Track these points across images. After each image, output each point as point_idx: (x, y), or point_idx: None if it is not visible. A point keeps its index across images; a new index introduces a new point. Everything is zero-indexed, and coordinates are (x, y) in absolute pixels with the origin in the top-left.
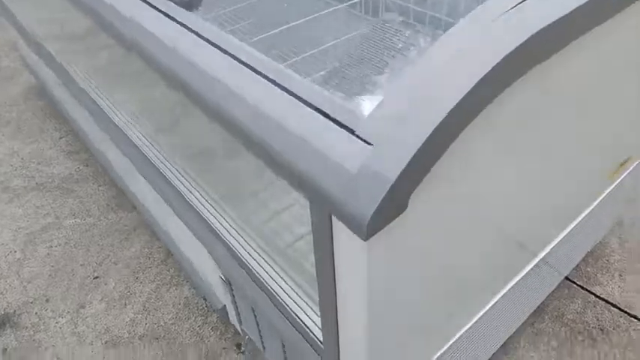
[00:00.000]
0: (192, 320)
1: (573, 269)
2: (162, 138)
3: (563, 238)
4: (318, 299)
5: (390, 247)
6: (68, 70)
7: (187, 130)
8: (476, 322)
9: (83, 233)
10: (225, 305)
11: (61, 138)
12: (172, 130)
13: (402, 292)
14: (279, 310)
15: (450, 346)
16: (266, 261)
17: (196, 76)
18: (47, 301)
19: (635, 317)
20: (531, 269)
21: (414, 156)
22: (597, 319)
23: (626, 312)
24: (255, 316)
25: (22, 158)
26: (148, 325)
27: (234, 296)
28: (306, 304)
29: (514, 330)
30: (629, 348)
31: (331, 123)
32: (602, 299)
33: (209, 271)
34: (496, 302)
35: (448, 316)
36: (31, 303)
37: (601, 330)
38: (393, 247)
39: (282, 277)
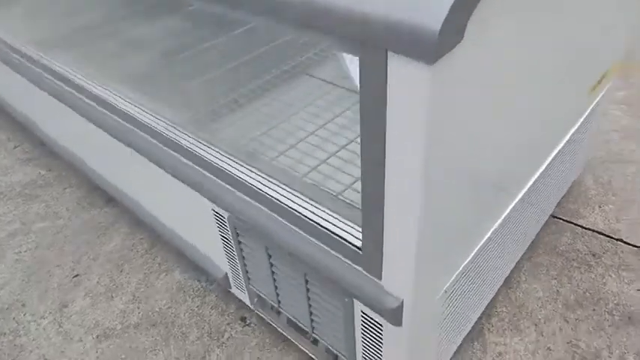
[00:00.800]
0: (189, 302)
1: (557, 207)
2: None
3: (554, 158)
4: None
5: (449, 81)
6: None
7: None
8: (495, 231)
9: (55, 235)
10: (226, 273)
11: (15, 147)
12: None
13: (457, 145)
14: (303, 230)
15: (471, 259)
16: (283, 188)
17: None
18: (24, 305)
19: (621, 240)
20: (531, 187)
21: None
22: (587, 247)
23: (611, 237)
24: (271, 262)
25: None
26: (141, 313)
27: (241, 250)
28: (334, 217)
29: (514, 264)
30: (622, 267)
31: None
32: (588, 229)
33: (207, 239)
34: (507, 215)
35: (483, 206)
36: (7, 309)
37: (593, 255)
38: (452, 81)
39: (302, 199)
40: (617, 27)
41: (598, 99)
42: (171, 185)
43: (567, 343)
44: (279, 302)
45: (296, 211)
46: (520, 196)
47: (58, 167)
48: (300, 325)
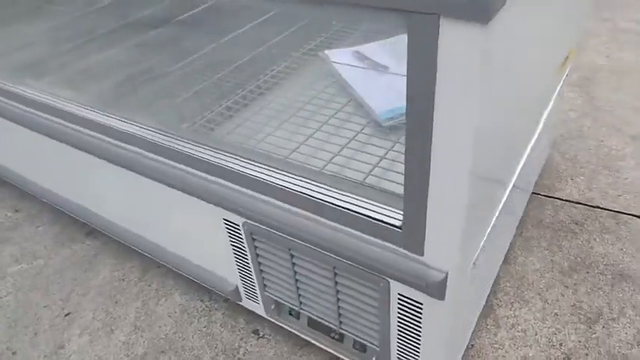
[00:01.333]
0: (196, 323)
1: (535, 184)
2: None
3: (539, 133)
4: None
5: (494, 43)
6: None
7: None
8: (504, 203)
9: (35, 276)
10: (237, 285)
11: None
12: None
13: (496, 110)
14: (336, 221)
15: (491, 229)
16: (309, 182)
17: None
18: (14, 353)
19: (598, 207)
20: (525, 161)
21: None
22: (569, 217)
23: (589, 205)
24: (293, 262)
25: None
26: (146, 342)
27: (257, 256)
28: (367, 202)
29: (509, 242)
30: (604, 231)
31: None
32: (567, 200)
33: (214, 252)
34: (512, 187)
35: (502, 174)
36: None
37: (576, 224)
38: (496, 44)
39: (334, 190)
40: (582, 3)
41: (564, 78)
42: (174, 201)
43: (571, 306)
44: (300, 303)
45: (328, 202)
46: (519, 168)
47: (25, 207)
48: (325, 323)
